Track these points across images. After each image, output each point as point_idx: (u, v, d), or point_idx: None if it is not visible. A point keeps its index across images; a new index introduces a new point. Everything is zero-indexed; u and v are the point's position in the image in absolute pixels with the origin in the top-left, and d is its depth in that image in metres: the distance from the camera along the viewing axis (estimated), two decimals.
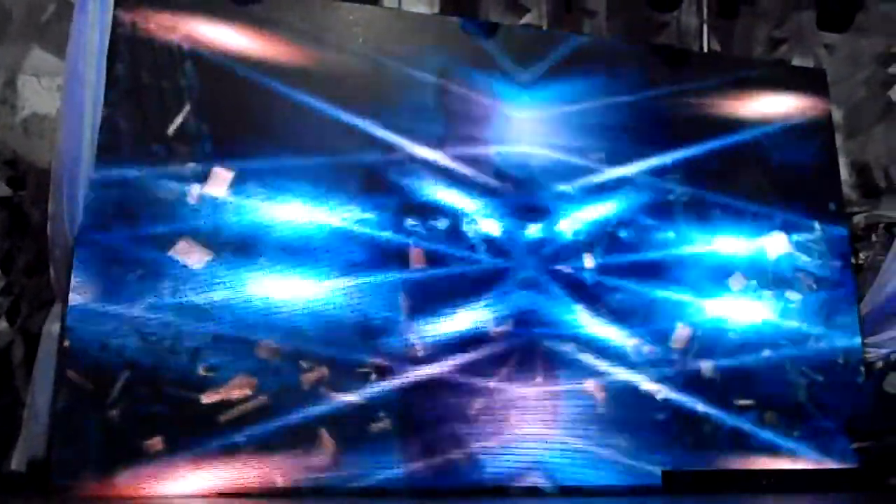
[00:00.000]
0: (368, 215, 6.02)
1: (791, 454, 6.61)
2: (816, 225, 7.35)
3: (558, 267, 6.40)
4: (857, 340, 7.16)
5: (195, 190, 5.68)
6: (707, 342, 6.69)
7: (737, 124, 7.29)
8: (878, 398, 6.73)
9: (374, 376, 5.71)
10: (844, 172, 8.28)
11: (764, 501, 5.62)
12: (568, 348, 6.22)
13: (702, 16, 8.16)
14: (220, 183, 5.72)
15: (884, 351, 7.32)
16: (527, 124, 6.62)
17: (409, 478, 5.61)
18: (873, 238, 8.31)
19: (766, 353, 6.85)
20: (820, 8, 8.21)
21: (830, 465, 6.65)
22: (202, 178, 5.71)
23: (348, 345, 5.72)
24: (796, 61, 8.33)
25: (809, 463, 6.63)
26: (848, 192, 8.25)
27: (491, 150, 6.48)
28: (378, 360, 5.76)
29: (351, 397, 5.64)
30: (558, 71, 6.81)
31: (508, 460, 5.84)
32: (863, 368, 7.10)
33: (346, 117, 6.13)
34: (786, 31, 8.55)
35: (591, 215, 6.60)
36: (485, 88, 6.58)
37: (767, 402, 6.69)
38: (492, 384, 5.95)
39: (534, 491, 5.81)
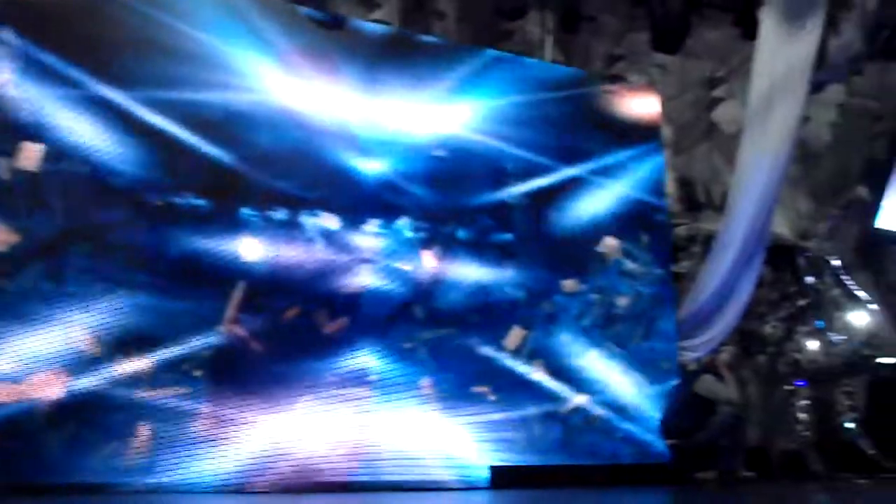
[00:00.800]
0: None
1: (612, 451, 6.93)
2: (643, 234, 7.72)
3: (397, 265, 6.43)
4: (674, 344, 7.58)
5: None
6: (538, 343, 6.91)
7: (576, 133, 7.55)
8: (690, 399, 7.15)
9: None
10: (671, 186, 8.77)
11: (585, 496, 5.82)
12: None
13: (545, 28, 8.38)
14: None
15: (696, 354, 7.82)
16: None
17: None
18: (692, 249, 8.85)
19: (594, 354, 7.15)
20: (654, 30, 8.62)
21: (646, 461, 7.00)
22: None
23: None
24: (632, 78, 8.74)
25: (626, 459, 6.97)
26: (672, 205, 8.75)
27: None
28: None
29: None
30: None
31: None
32: (677, 370, 7.55)
33: None
34: (623, 49, 8.97)
35: (430, 214, 6.66)
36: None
37: (598, 401, 7.00)
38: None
39: (351, 487, 5.80)
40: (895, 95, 10.55)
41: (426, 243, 6.61)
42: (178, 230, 5.64)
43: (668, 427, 7.10)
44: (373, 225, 6.41)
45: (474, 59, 7.23)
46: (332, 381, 5.92)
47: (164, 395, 5.35)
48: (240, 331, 5.70)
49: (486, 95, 7.15)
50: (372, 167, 6.49)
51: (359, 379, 6.04)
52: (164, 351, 5.40)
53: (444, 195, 6.77)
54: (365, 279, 6.26)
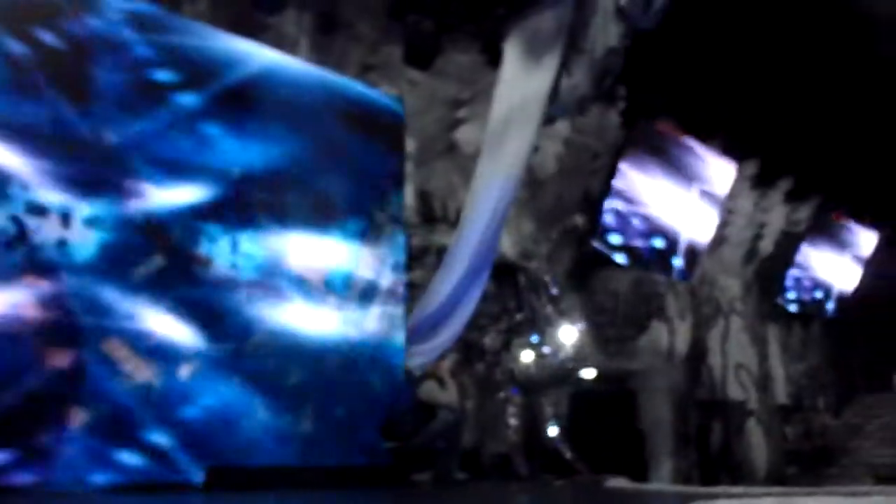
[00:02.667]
0: None
1: (333, 453, 7.00)
2: (384, 242, 7.88)
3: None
4: (403, 350, 7.80)
5: None
6: (282, 349, 6.82)
7: (326, 141, 7.54)
8: (413, 403, 7.41)
9: None
10: (410, 198, 9.07)
11: (303, 497, 5.80)
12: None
13: (302, 28, 8.34)
14: None
15: (421, 361, 8.13)
16: None
17: None
18: (426, 260, 9.22)
19: (336, 360, 7.17)
20: (407, 45, 8.88)
21: (367, 463, 7.13)
22: None
23: None
24: (382, 88, 8.93)
25: (347, 461, 7.06)
26: (411, 217, 9.06)
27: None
28: None
29: None
30: None
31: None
32: (404, 376, 7.78)
33: None
34: (376, 59, 9.16)
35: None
36: None
37: (328, 404, 7.02)
38: None
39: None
40: (612, 136, 11.79)
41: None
42: None
43: (390, 430, 7.29)
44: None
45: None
46: None
47: None
48: None
49: None
50: None
51: None
52: None
53: None
54: None
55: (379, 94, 8.66)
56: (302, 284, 7.10)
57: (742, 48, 10.74)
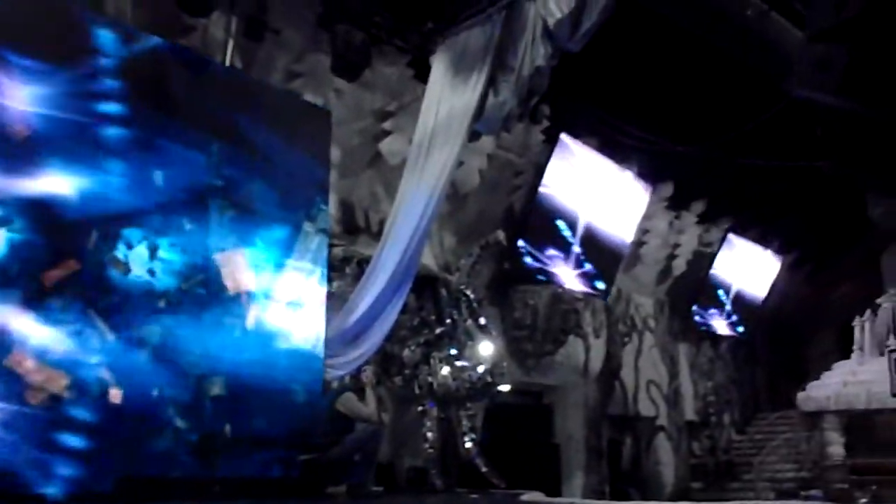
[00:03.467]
0: None
1: (247, 464, 6.87)
2: (308, 252, 7.77)
3: None
4: (321, 361, 7.72)
5: None
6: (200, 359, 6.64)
7: (250, 148, 7.40)
8: (330, 415, 7.33)
9: None
10: (333, 207, 9.00)
11: None
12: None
13: (229, 32, 8.20)
14: None
15: (340, 373, 8.07)
16: None
17: None
18: (347, 270, 9.15)
19: (255, 371, 7.01)
20: (335, 55, 8.84)
21: (282, 475, 7.02)
22: None
23: None
24: (308, 97, 8.87)
25: (259, 471, 6.94)
26: (332, 226, 8.98)
27: None
28: None
29: None
30: None
31: None
32: (321, 388, 7.70)
33: None
34: (303, 67, 9.08)
35: None
36: None
37: (246, 415, 6.87)
38: None
39: None
40: (534, 154, 11.99)
41: None
42: None
43: (305, 442, 7.20)
44: None
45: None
46: None
47: None
48: None
49: None
50: None
51: None
52: None
53: None
54: None
55: (304, 102, 8.61)
56: (222, 293, 6.95)
57: (658, 74, 11.07)
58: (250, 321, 7.12)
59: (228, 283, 7.00)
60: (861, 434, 13.38)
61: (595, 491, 12.75)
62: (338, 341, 8.04)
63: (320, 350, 7.70)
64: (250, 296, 7.16)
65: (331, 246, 8.57)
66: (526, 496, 7.72)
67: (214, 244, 6.96)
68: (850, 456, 13.41)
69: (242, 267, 7.18)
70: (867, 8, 6.79)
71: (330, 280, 8.36)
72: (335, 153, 8.88)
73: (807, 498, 12.07)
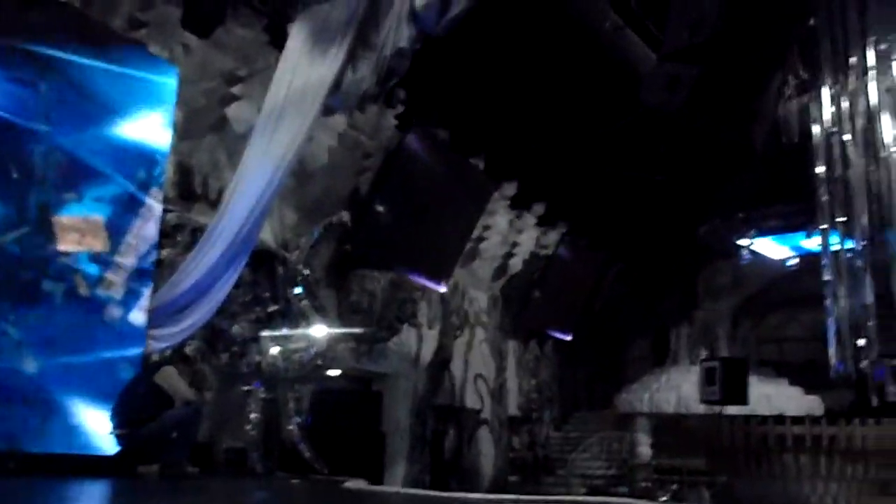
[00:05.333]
0: None
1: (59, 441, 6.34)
2: (138, 215, 7.27)
3: None
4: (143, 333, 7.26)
5: None
6: None
7: (81, 96, 6.80)
8: (148, 389, 6.86)
9: None
10: (169, 171, 8.46)
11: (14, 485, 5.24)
12: None
13: None
14: None
15: (163, 345, 7.61)
16: None
17: None
18: (178, 238, 8.64)
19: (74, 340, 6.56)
20: (186, 7, 8.30)
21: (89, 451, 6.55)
22: None
23: None
24: (153, 49, 8.25)
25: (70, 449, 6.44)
26: (168, 191, 8.44)
27: None
28: None
29: None
30: None
31: None
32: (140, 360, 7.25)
33: None
34: (150, 17, 8.43)
35: None
36: None
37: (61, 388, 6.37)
38: None
39: None
40: (386, 137, 11.81)
41: None
42: None
43: (119, 417, 6.72)
44: None
45: None
46: None
47: None
48: None
49: None
50: None
51: None
52: None
53: None
54: None
55: (147, 53, 8.02)
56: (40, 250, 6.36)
57: (514, 74, 11.21)
58: (74, 287, 6.56)
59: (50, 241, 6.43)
60: (667, 436, 14.25)
61: (417, 480, 12.79)
62: (162, 312, 7.61)
63: (143, 321, 7.24)
64: (76, 258, 6.60)
65: (165, 211, 8.09)
66: (349, 483, 7.56)
67: (36, 197, 6.35)
68: (655, 456, 14.30)
69: (68, 227, 6.61)
70: (719, 34, 7.13)
71: (160, 247, 7.90)
72: (177, 113, 8.36)
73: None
